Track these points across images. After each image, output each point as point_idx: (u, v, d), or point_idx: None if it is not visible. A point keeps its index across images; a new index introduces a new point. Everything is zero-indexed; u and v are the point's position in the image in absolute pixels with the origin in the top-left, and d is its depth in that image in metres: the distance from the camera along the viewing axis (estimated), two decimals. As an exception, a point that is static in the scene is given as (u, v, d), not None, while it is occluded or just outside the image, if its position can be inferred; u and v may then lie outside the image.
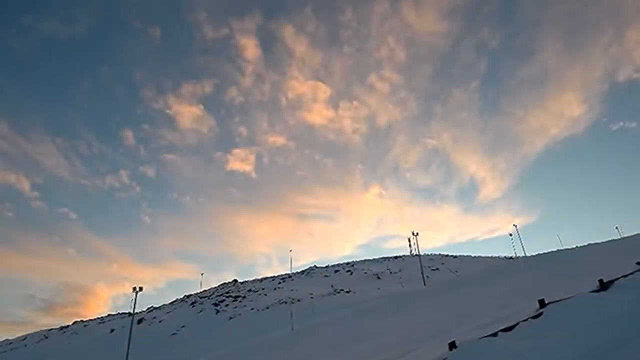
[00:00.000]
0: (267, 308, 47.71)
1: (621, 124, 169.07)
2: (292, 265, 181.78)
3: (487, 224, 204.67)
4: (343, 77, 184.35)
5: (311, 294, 54.76)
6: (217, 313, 48.28)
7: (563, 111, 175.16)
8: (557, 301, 8.70)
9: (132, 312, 39.85)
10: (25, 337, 72.06)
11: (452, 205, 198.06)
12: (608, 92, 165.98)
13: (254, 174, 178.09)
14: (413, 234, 60.34)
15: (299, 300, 49.39)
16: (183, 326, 46.04)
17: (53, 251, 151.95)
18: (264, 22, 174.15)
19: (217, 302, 53.91)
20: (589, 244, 37.17)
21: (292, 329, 28.47)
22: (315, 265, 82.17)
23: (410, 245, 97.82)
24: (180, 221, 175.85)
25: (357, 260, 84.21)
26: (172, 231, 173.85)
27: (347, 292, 51.88)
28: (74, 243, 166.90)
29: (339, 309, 40.18)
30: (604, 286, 9.10)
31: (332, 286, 53.96)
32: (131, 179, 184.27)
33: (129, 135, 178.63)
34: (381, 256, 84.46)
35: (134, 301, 41.46)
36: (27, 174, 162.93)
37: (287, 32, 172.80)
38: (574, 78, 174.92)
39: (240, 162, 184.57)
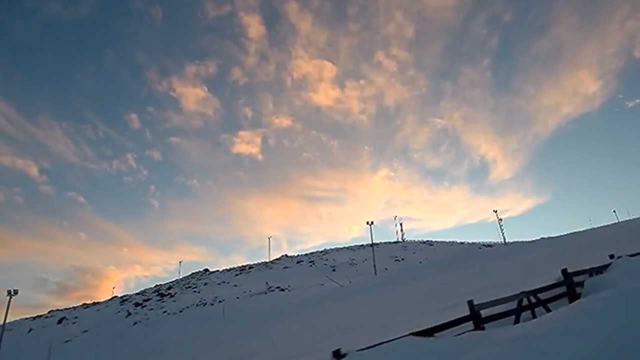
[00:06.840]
0: (181, 312, 41.36)
1: (637, 100, 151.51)
2: (296, 249, 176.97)
3: (497, 205, 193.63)
4: (349, 56, 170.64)
5: (248, 292, 48.01)
6: (127, 316, 42.48)
7: (577, 88, 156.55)
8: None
9: (4, 321, 34.70)
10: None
11: (462, 186, 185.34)
12: (624, 68, 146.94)
13: (260, 157, 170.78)
14: (367, 223, 54.28)
15: (220, 302, 42.77)
16: (85, 331, 40.66)
17: (63, 235, 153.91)
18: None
19: (141, 301, 48.31)
20: (542, 238, 28.29)
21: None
22: (285, 255, 75.72)
23: (401, 231, 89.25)
24: (189, 204, 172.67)
25: (340, 247, 77.14)
26: (180, 214, 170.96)
27: (282, 290, 44.56)
28: (83, 227, 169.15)
29: (241, 316, 33.41)
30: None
31: (266, 283, 46.80)
32: (138, 162, 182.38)
33: (134, 119, 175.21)
34: (359, 244, 76.28)
35: (7, 306, 36.67)
36: (35, 159, 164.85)
37: (291, 8, 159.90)
38: (589, 54, 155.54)
39: (246, 144, 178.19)
